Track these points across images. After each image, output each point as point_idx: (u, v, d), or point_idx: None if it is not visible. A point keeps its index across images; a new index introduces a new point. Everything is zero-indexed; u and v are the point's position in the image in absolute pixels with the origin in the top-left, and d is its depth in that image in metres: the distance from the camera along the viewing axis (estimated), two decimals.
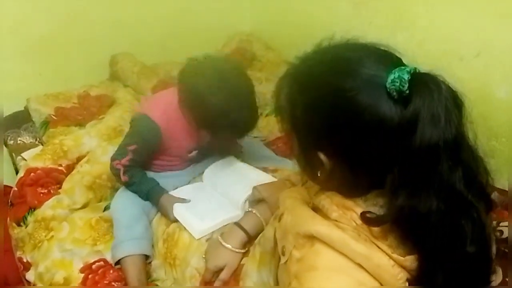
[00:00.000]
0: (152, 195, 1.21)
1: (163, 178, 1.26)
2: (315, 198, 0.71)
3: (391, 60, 0.61)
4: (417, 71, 0.58)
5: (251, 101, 1.14)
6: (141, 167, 1.25)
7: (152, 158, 1.28)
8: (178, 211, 1.16)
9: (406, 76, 0.56)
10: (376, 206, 0.63)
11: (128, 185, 1.23)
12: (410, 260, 0.60)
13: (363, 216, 0.62)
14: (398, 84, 0.56)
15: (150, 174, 1.28)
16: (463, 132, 0.59)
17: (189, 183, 1.30)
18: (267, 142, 1.55)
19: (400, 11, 1.52)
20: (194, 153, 1.29)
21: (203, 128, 1.18)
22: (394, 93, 0.57)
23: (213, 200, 1.20)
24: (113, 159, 1.22)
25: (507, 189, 0.96)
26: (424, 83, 0.56)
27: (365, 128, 0.58)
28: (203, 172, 1.30)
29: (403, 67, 0.58)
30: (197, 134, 1.22)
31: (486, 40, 1.29)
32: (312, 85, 0.63)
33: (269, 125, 1.63)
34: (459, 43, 1.35)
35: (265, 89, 1.80)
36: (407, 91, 0.56)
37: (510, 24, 1.22)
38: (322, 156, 0.63)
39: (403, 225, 0.59)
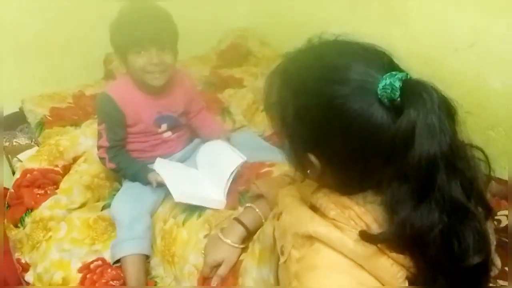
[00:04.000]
0: (139, 176, 1.25)
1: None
2: (312, 197, 0.70)
3: (382, 64, 0.60)
4: (409, 77, 0.57)
5: (157, 12, 1.19)
6: (124, 147, 1.29)
7: (129, 138, 1.30)
8: (163, 170, 1.20)
9: (398, 84, 0.55)
10: (374, 204, 0.63)
11: (116, 172, 1.29)
12: (408, 258, 0.60)
13: (362, 234, 0.60)
14: (389, 91, 0.55)
15: None
16: (458, 140, 0.58)
17: None
18: (263, 137, 1.56)
19: (393, 5, 1.52)
20: (164, 127, 1.31)
21: (126, 55, 1.19)
22: (385, 100, 0.56)
23: (197, 178, 1.24)
24: (97, 149, 1.28)
25: (504, 178, 0.96)
26: (417, 92, 0.55)
27: (356, 135, 0.58)
28: None
29: (394, 73, 0.56)
30: (151, 99, 1.26)
31: (479, 31, 1.29)
32: (302, 90, 0.62)
33: (265, 120, 1.61)
34: (452, 35, 1.35)
35: (260, 84, 1.79)
36: (398, 99, 0.55)
37: (503, 14, 1.22)
38: (312, 158, 0.63)
39: (404, 239, 0.57)
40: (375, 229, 0.61)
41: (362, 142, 0.58)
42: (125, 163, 1.28)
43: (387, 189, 0.58)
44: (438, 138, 0.54)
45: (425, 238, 0.56)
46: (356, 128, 0.57)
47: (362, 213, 0.62)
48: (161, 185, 1.20)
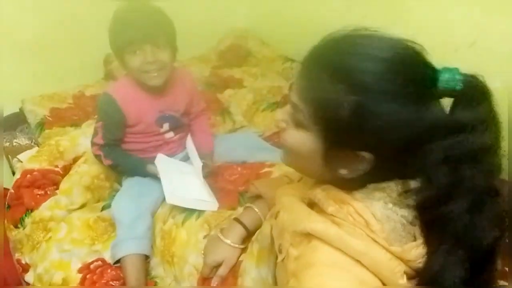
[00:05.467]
0: (138, 169, 1.27)
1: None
2: (310, 193, 0.70)
3: (427, 59, 0.62)
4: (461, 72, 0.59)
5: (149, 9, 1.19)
6: (119, 145, 1.30)
7: (131, 138, 1.30)
8: (162, 167, 1.22)
9: (458, 76, 0.57)
10: (372, 199, 0.63)
11: (113, 167, 1.30)
12: (407, 251, 0.60)
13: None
14: (453, 83, 0.57)
15: None
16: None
17: None
18: (264, 137, 1.55)
19: (393, 4, 1.52)
20: (166, 127, 1.31)
21: (123, 56, 1.19)
22: (447, 93, 0.58)
23: (194, 178, 1.24)
24: (91, 145, 1.29)
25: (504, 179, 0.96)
26: (474, 84, 0.58)
27: (416, 129, 0.58)
28: None
29: (449, 67, 0.58)
30: (153, 99, 1.27)
31: (480, 30, 1.28)
32: (362, 86, 0.58)
33: (265, 120, 1.63)
34: (453, 34, 1.35)
35: (260, 84, 1.81)
36: (458, 91, 0.57)
37: (503, 13, 1.22)
38: (366, 155, 0.60)
39: (430, 225, 0.60)
40: (373, 224, 0.61)
41: (420, 135, 0.58)
42: (121, 158, 1.29)
43: (431, 170, 0.58)
44: (486, 132, 0.57)
45: (450, 223, 0.58)
46: (417, 123, 0.58)
47: (361, 208, 0.62)
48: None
